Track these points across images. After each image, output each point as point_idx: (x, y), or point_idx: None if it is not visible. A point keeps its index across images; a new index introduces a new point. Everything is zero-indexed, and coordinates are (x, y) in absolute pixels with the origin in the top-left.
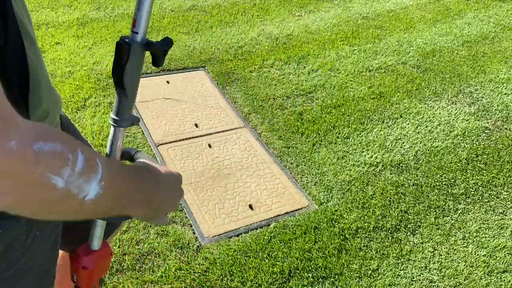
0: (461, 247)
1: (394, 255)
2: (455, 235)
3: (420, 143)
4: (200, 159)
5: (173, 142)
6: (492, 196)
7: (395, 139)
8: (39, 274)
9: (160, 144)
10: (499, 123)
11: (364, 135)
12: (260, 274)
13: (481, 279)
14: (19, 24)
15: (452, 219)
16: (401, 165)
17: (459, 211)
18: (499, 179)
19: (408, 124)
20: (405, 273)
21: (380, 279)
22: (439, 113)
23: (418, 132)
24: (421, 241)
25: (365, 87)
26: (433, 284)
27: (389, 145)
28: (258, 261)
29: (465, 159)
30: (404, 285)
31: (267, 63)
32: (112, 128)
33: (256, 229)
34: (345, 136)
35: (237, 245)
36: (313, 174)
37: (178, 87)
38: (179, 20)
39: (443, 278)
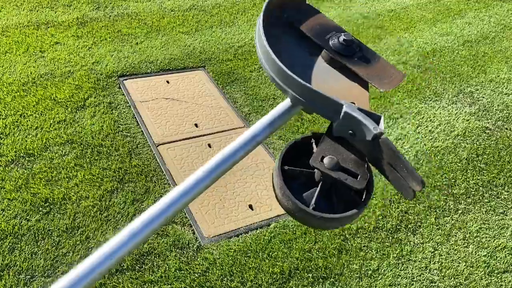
0: (461, 247)
1: (395, 255)
2: (456, 235)
3: (421, 143)
4: (200, 159)
5: (173, 142)
6: (493, 196)
7: (395, 139)
8: None
9: (160, 144)
10: (500, 123)
11: None
12: (260, 274)
13: (482, 279)
14: None
15: (452, 219)
16: None
17: (459, 211)
18: (499, 179)
19: (409, 124)
20: (406, 273)
21: (380, 279)
22: (440, 113)
23: (419, 132)
24: (421, 241)
25: None
26: (433, 284)
27: None
28: (258, 261)
29: (466, 159)
30: (404, 285)
31: None
32: None
33: (256, 229)
34: None
35: (237, 245)
36: None
37: (178, 87)
38: (179, 19)
39: (443, 278)
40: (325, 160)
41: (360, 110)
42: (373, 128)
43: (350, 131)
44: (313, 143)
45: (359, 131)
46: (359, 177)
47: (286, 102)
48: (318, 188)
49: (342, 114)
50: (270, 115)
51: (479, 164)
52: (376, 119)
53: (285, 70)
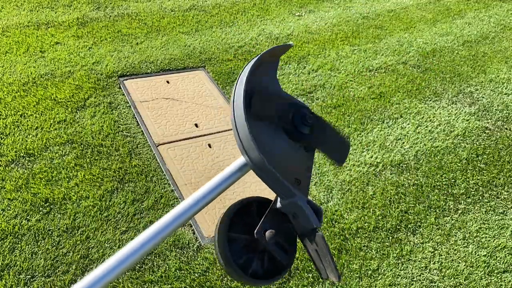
0: (461, 247)
1: (394, 255)
2: (456, 235)
3: (421, 143)
4: (200, 159)
5: (173, 142)
6: (493, 196)
7: (395, 139)
8: None
9: (160, 144)
10: (500, 123)
11: (364, 135)
12: None
13: (481, 279)
14: None
15: (452, 219)
16: (401, 165)
17: (459, 211)
18: (499, 179)
19: (408, 124)
20: (405, 273)
21: (380, 279)
22: (440, 113)
23: (419, 132)
24: (421, 241)
25: (365, 87)
26: (433, 284)
27: (389, 145)
28: None
29: (466, 159)
30: (404, 285)
31: None
32: None
33: None
34: None
35: None
36: (313, 174)
37: (178, 87)
38: (179, 20)
39: (443, 278)
40: (267, 234)
41: (309, 202)
42: (315, 223)
43: (294, 213)
44: (255, 207)
45: (302, 218)
46: (288, 253)
47: (241, 160)
48: (257, 255)
49: (293, 202)
50: (224, 172)
51: (479, 164)
52: (319, 213)
53: (260, 156)
